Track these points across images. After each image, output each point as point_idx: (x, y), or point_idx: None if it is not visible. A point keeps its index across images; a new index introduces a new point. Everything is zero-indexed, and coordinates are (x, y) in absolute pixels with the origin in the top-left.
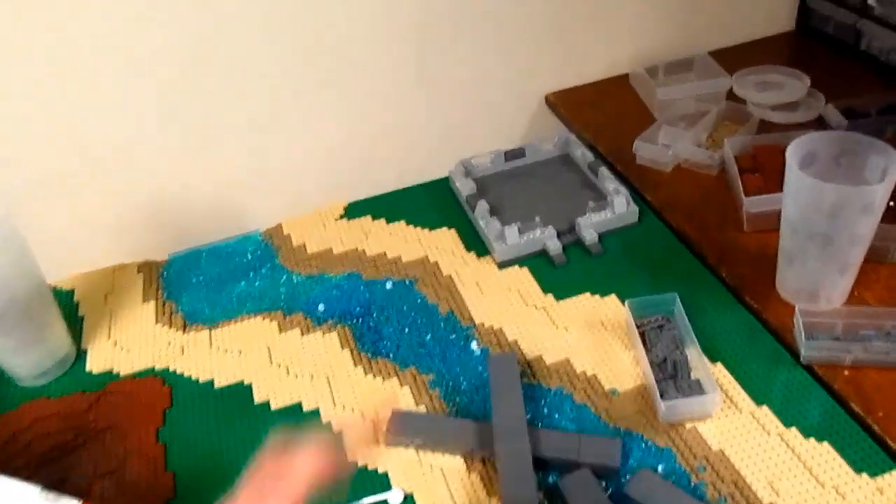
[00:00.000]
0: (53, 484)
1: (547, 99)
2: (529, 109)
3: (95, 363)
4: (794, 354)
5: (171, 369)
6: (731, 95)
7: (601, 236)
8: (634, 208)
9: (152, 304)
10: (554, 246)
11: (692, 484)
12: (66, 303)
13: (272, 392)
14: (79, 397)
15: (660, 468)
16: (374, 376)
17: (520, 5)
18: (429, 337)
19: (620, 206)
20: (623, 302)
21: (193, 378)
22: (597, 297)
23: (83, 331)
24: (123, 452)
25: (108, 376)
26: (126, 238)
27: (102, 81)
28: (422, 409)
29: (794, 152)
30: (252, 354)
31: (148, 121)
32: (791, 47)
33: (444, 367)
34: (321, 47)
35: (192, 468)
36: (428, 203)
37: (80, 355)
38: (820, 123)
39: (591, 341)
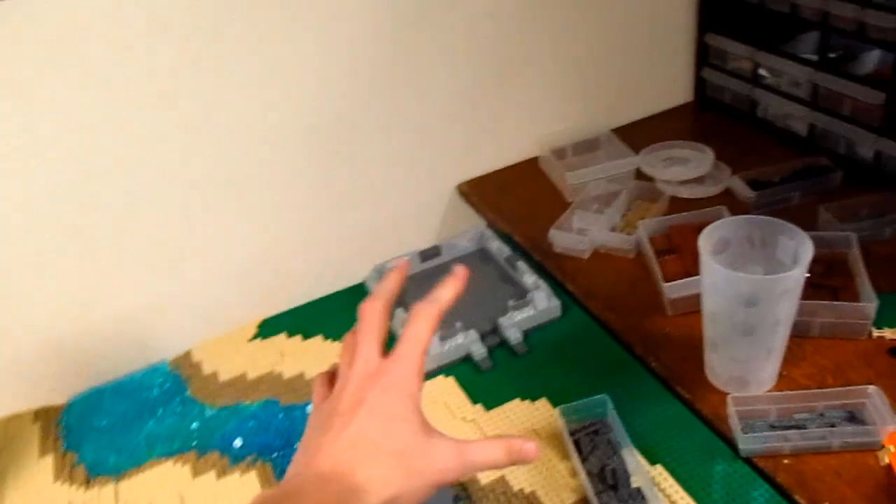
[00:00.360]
0: None
1: (459, 190)
2: (442, 203)
3: None
4: (732, 446)
5: None
6: (639, 173)
7: (526, 334)
8: (556, 302)
9: (51, 458)
10: (478, 351)
11: None
12: None
13: None
14: None
15: None
16: None
17: (420, 99)
18: None
19: (542, 302)
20: (554, 405)
21: None
22: (527, 402)
23: None
24: None
25: None
26: (19, 383)
27: None
28: None
29: (705, 241)
30: None
31: (34, 246)
32: (691, 119)
33: None
34: (220, 164)
35: None
36: (345, 313)
37: None
38: (728, 195)
39: None
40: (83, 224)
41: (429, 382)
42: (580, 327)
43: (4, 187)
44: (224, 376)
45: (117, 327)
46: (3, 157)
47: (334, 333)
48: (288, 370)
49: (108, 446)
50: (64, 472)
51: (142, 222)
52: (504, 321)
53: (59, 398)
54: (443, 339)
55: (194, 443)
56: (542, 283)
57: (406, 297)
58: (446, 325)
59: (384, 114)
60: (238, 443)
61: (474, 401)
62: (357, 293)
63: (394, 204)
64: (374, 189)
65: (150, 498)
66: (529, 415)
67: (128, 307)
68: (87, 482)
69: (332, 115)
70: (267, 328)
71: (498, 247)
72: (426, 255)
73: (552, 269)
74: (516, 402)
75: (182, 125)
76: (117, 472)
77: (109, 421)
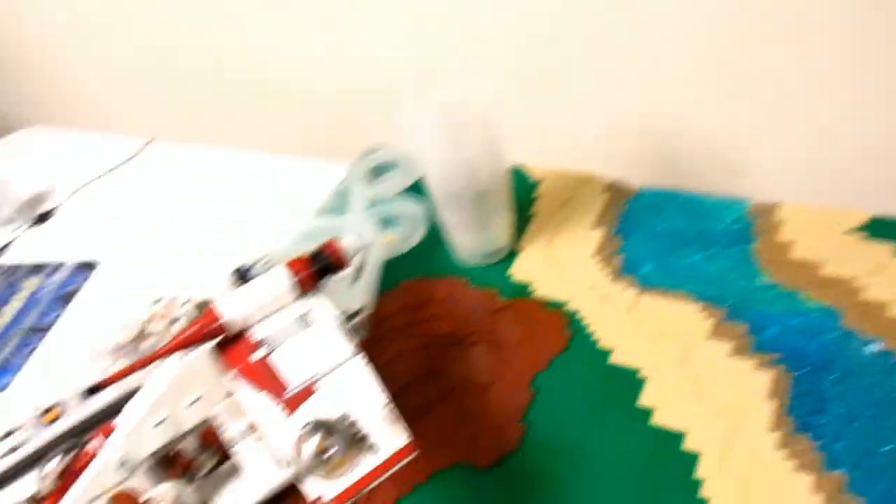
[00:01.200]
0: (422, 373)
1: None
2: None
3: (520, 269)
4: None
5: (579, 315)
6: None
7: None
8: None
9: (600, 232)
10: None
11: None
12: (528, 193)
13: (663, 402)
14: (490, 298)
15: None
16: (787, 457)
17: None
18: (887, 449)
19: None
20: None
21: (595, 337)
22: None
23: (528, 226)
24: (499, 375)
25: (524, 290)
26: (607, 149)
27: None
28: None
29: None
30: (666, 343)
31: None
32: None
33: (883, 501)
34: None
35: (545, 432)
36: None
37: (512, 255)
38: None
39: None
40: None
41: None
42: None
43: None
44: (797, 253)
45: (713, 141)
46: None
47: None
48: (873, 290)
49: (650, 253)
50: (602, 254)
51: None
52: None
53: (634, 181)
54: None
55: (730, 302)
56: None
57: None
58: None
59: None
60: (772, 331)
61: None
62: None
63: None
64: None
65: (660, 325)
66: None
67: (730, 129)
68: (617, 275)
69: None
70: (877, 227)
71: None
72: None
73: None
74: None
75: None
76: (646, 282)
77: (665, 229)
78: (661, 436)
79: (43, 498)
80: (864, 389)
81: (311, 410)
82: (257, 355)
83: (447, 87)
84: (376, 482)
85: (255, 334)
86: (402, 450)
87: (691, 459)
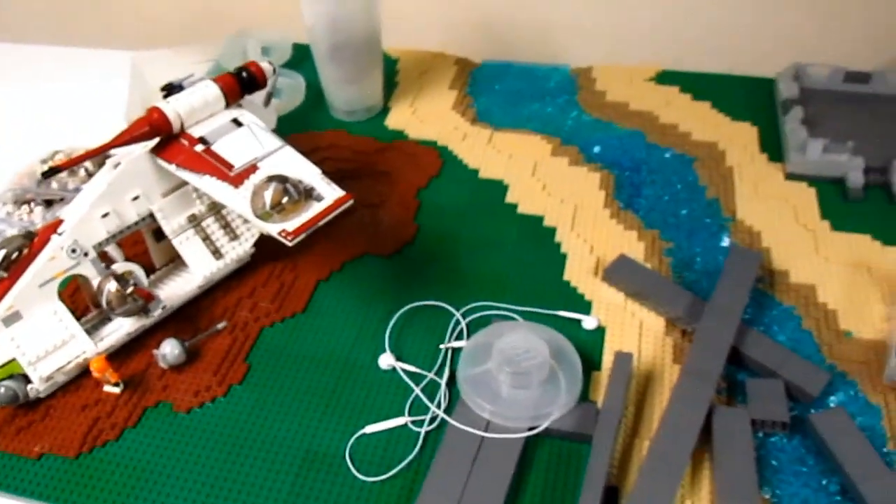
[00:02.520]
0: None
1: None
2: None
3: (393, 121)
4: None
5: (449, 148)
6: None
7: None
8: None
9: (455, 93)
10: (855, 178)
11: (886, 450)
12: (389, 67)
13: (524, 199)
14: (371, 142)
15: (858, 420)
16: (618, 223)
17: None
18: (684, 212)
19: None
20: None
21: (464, 162)
22: (878, 243)
23: (393, 93)
24: (387, 195)
25: (399, 135)
26: (453, 34)
27: None
28: (647, 266)
29: None
30: (520, 162)
31: None
32: None
33: (686, 242)
34: None
35: (434, 228)
36: (743, 96)
37: (384, 111)
38: None
39: (847, 280)
40: None
41: (789, 183)
42: None
43: None
44: (610, 98)
45: (541, 25)
46: None
47: (723, 107)
48: (666, 117)
49: (498, 106)
50: (460, 107)
51: None
52: None
53: (476, 58)
54: (825, 150)
55: (563, 133)
56: None
57: (808, 107)
58: (836, 140)
59: None
60: (597, 149)
61: (824, 217)
62: (764, 87)
63: (855, 9)
64: None
65: (514, 151)
66: (871, 253)
67: (554, 17)
68: (474, 121)
69: None
70: (665, 77)
71: None
72: (852, 77)
73: None
74: (866, 237)
75: None
76: (497, 125)
77: (506, 90)
78: (526, 219)
79: None
80: (666, 179)
81: (259, 178)
82: (199, 147)
83: None
84: (325, 220)
85: (194, 133)
86: (342, 197)
87: (551, 231)
